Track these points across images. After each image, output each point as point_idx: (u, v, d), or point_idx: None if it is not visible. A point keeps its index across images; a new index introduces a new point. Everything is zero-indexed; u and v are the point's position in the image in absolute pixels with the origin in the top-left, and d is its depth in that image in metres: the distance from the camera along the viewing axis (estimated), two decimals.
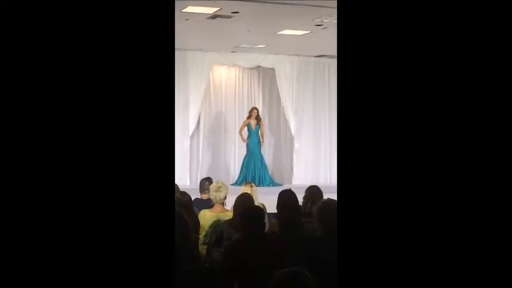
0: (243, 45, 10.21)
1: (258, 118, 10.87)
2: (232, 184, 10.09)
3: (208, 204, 5.39)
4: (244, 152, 11.02)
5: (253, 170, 10.69)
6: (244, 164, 10.87)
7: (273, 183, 10.75)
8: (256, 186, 6.95)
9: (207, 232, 4.78)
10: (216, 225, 4.69)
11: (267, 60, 11.24)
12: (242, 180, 10.19)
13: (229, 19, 7.95)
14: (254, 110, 10.93)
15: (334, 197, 3.23)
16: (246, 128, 10.94)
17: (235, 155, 11.44)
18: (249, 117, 10.90)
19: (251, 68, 11.58)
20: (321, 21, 8.12)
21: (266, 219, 4.11)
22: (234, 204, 4.66)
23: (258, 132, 10.88)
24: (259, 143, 10.90)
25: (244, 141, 10.91)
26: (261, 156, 10.92)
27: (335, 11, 5.42)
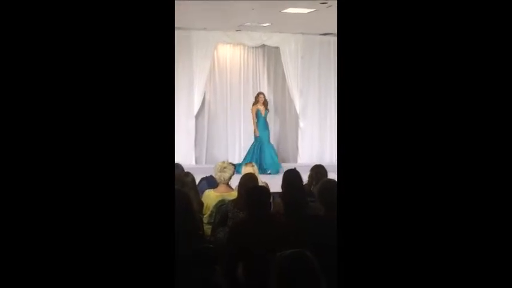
0: (248, 23, 10.13)
1: (265, 103, 10.52)
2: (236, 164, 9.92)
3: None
4: (249, 129, 10.89)
5: (256, 156, 10.18)
6: (251, 151, 10.41)
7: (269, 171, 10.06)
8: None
9: (211, 212, 4.79)
10: (221, 204, 4.69)
11: (271, 39, 11.16)
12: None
13: None
14: (261, 95, 10.55)
15: None
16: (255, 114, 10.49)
17: (240, 134, 11.41)
18: (255, 103, 10.53)
19: (256, 47, 11.50)
20: None
21: (271, 199, 4.11)
22: (239, 183, 4.66)
23: (266, 118, 10.54)
24: (267, 129, 10.48)
25: (257, 135, 10.34)
26: (266, 143, 10.32)
27: None
